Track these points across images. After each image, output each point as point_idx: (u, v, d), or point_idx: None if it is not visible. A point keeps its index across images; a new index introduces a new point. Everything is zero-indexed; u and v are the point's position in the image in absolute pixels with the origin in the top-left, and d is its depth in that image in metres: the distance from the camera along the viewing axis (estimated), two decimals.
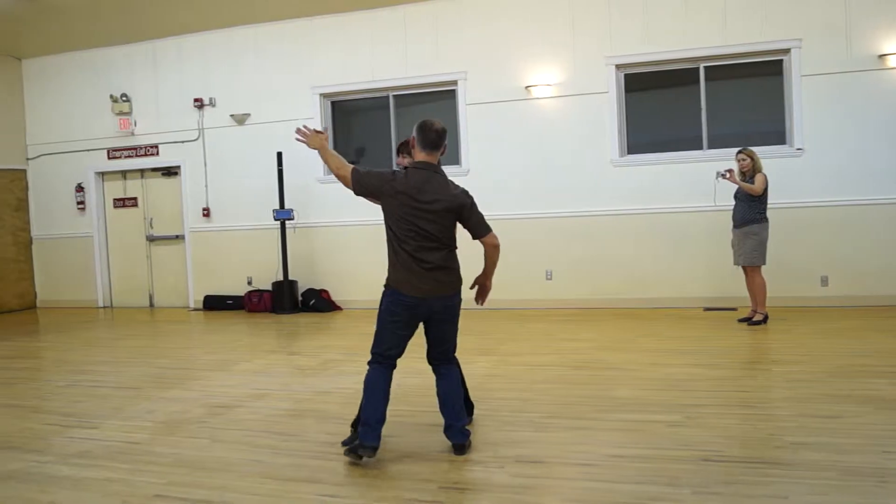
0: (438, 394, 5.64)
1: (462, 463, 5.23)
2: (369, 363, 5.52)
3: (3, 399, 8.06)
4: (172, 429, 6.42)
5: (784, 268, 10.91)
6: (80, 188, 15.23)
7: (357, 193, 5.46)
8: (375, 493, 4.82)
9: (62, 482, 5.24)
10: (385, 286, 5.52)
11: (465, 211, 5.50)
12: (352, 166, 5.43)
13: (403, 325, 5.48)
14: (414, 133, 5.40)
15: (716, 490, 4.57)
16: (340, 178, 5.44)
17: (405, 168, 5.51)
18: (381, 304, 5.53)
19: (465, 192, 5.53)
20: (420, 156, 5.40)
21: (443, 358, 5.72)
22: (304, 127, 5.69)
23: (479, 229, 5.64)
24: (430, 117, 5.48)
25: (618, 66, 11.91)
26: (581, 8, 11.96)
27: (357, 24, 13.10)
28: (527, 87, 12.20)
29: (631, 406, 6.46)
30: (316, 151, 5.64)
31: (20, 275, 15.57)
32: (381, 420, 5.37)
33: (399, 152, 5.96)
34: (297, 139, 5.65)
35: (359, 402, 5.68)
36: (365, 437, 5.27)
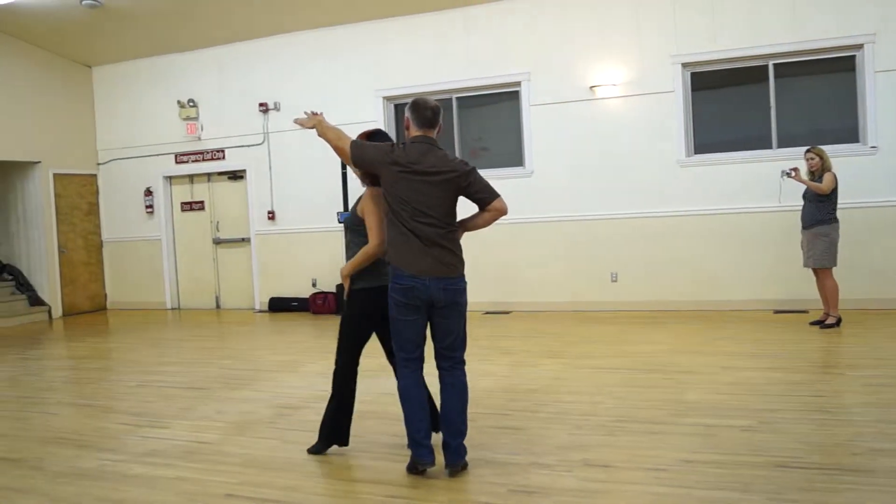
0: (441, 404, 5.25)
1: (530, 466, 5.19)
2: (397, 372, 5.28)
3: (77, 398, 8.22)
4: (242, 429, 6.48)
5: (857, 270, 10.67)
6: (148, 192, 15.47)
7: (356, 165, 5.31)
8: (443, 495, 4.81)
9: (134, 481, 5.32)
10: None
11: (464, 179, 5.16)
12: (350, 139, 5.32)
13: (409, 309, 5.11)
14: (408, 113, 5.26)
15: (791, 497, 4.48)
16: (338, 150, 5.35)
17: (402, 143, 5.26)
18: (388, 291, 5.22)
19: (465, 162, 5.27)
20: (417, 131, 5.23)
21: (449, 356, 5.23)
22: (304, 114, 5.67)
23: (485, 193, 5.23)
24: (424, 97, 5.38)
25: (684, 65, 11.77)
26: (646, 6, 11.84)
27: (420, 26, 13.14)
28: (591, 87, 12.11)
29: (702, 410, 6.37)
30: (320, 136, 5.53)
31: (91, 277, 15.86)
32: (429, 433, 5.18)
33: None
34: (296, 123, 5.65)
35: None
36: (420, 456, 5.10)
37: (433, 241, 5.09)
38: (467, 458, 5.21)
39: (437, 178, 5.09)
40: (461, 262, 5.28)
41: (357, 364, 5.61)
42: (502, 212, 5.28)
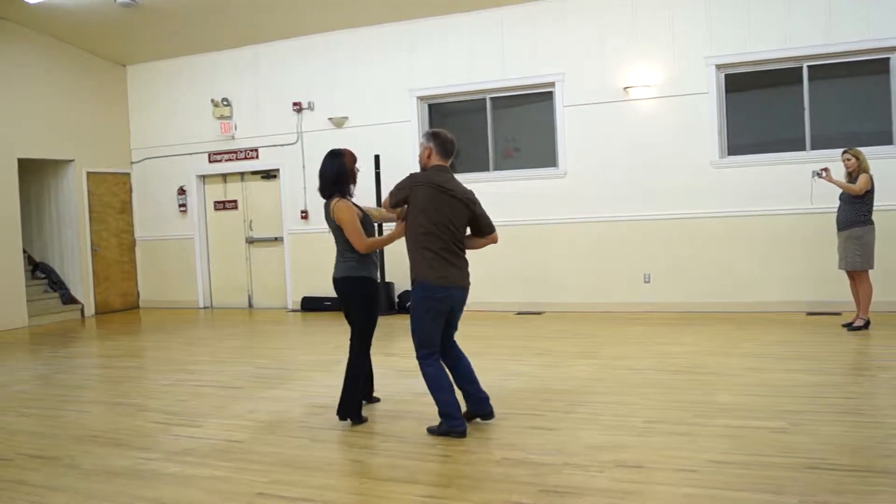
0: (461, 373, 6.19)
1: (562, 466, 5.16)
2: (425, 360, 6.01)
3: (110, 397, 8.28)
4: (274, 428, 6.49)
5: (891, 272, 10.54)
6: (181, 191, 15.55)
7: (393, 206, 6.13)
8: (476, 495, 4.79)
9: (168, 479, 5.33)
10: (417, 280, 5.97)
11: (476, 207, 6.02)
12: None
13: (441, 313, 5.97)
14: (429, 143, 6.03)
15: (823, 499, 4.44)
16: (385, 219, 6.78)
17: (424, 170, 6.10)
18: (416, 301, 5.98)
19: (473, 192, 6.09)
20: (438, 161, 6.01)
21: (452, 340, 6.23)
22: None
23: (486, 223, 6.14)
24: (443, 129, 6.32)
25: (718, 67, 11.67)
26: (680, 8, 11.76)
27: (455, 26, 13.12)
28: (625, 87, 12.05)
29: (734, 412, 6.32)
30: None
31: (124, 275, 15.96)
32: (459, 407, 6.00)
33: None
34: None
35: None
36: (458, 426, 5.91)
37: (459, 254, 5.99)
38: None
39: (460, 199, 5.93)
40: None
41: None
42: (496, 241, 6.29)
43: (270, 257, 15.09)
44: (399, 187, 5.98)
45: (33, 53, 14.27)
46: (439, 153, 6.00)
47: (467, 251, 6.09)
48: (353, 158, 6.62)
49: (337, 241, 6.52)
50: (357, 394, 6.48)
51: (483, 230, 6.13)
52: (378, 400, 7.09)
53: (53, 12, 13.33)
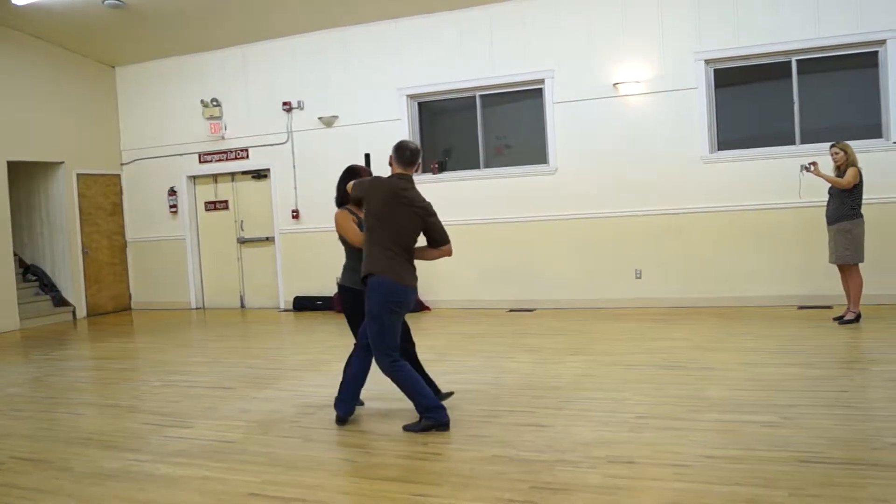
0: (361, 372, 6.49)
1: (554, 463, 5.18)
2: (392, 362, 6.06)
3: (102, 399, 8.27)
4: (266, 428, 6.49)
5: (881, 265, 10.53)
6: (172, 192, 15.53)
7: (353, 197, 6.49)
8: (468, 492, 4.79)
9: (159, 480, 5.33)
10: (374, 277, 6.02)
11: (430, 217, 6.11)
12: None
13: (400, 314, 6.19)
14: (392, 153, 6.18)
15: (813, 492, 4.46)
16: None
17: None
18: (375, 302, 6.01)
19: (429, 205, 6.17)
20: (398, 169, 6.16)
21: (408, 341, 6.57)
22: None
23: (438, 235, 6.17)
24: (405, 139, 6.57)
25: (707, 62, 11.69)
26: (669, 3, 11.77)
27: (444, 24, 13.11)
28: (614, 84, 12.06)
29: (725, 406, 6.34)
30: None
31: (115, 277, 15.93)
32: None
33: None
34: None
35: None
36: (443, 416, 6.06)
37: (410, 259, 6.15)
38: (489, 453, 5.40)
39: (411, 210, 6.04)
40: None
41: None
42: (449, 254, 6.28)
43: (262, 257, 15.07)
44: (360, 184, 6.27)
45: (21, 56, 14.22)
46: (398, 161, 6.15)
47: (422, 261, 6.24)
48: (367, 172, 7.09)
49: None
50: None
51: (436, 240, 6.18)
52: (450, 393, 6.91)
53: (41, 14, 13.28)
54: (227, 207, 15.38)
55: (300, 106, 14.23)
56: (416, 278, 6.18)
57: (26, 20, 13.59)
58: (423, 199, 6.11)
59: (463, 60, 13.01)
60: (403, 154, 6.15)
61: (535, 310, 12.40)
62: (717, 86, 11.79)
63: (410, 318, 12.16)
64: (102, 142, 15.68)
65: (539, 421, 6.22)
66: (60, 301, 14.91)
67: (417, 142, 7.97)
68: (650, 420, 6.08)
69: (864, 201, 9.54)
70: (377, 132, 13.38)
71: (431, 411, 6.03)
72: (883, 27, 10.78)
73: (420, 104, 13.63)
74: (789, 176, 10.69)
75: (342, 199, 6.91)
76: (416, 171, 6.27)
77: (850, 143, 9.77)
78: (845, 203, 9.47)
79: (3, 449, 6.35)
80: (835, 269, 9.93)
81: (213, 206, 15.48)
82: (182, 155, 15.38)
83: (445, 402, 6.33)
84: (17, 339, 12.66)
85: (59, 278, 15.10)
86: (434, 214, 6.14)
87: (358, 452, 5.78)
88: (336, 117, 13.88)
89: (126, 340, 12.20)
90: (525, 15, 12.57)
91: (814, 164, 9.77)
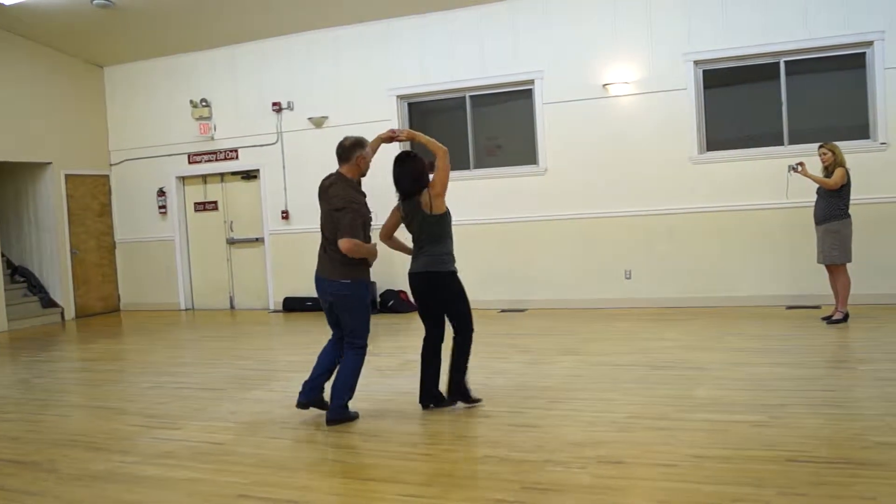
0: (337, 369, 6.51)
1: (544, 463, 5.17)
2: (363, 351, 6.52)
3: (90, 400, 8.23)
4: (255, 429, 6.46)
5: (869, 265, 10.55)
6: (161, 193, 15.47)
7: None
8: (458, 493, 4.78)
9: (147, 482, 5.30)
10: (355, 278, 6.30)
11: (335, 211, 6.22)
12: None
13: (324, 304, 6.60)
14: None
15: (802, 491, 4.47)
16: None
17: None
18: (360, 296, 6.37)
19: (349, 201, 6.24)
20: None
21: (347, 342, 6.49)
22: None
23: (341, 230, 6.19)
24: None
25: (696, 63, 11.70)
26: (658, 5, 11.78)
27: (434, 25, 13.09)
28: (604, 85, 12.06)
29: (714, 406, 6.35)
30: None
31: (104, 278, 15.86)
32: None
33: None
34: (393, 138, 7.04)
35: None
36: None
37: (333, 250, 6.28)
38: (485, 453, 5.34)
39: (325, 204, 6.33)
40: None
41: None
42: (345, 251, 6.16)
43: (252, 258, 15.03)
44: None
45: (9, 56, 14.14)
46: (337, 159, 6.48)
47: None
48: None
49: (422, 233, 6.64)
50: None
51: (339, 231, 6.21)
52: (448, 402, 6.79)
53: (29, 14, 13.21)
54: (216, 208, 15.32)
55: (290, 106, 14.19)
56: (328, 269, 6.31)
57: (14, 20, 13.52)
58: (345, 195, 6.23)
59: (453, 61, 12.99)
60: (336, 150, 6.51)
61: (526, 310, 12.39)
62: (706, 87, 11.79)
63: (402, 319, 12.20)
64: (91, 142, 15.60)
65: (529, 421, 6.21)
66: (49, 302, 14.84)
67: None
68: (640, 420, 6.07)
69: (851, 202, 9.56)
70: (367, 133, 13.10)
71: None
72: (870, 28, 10.81)
73: (410, 104, 13.60)
74: (778, 176, 10.71)
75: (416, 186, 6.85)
76: (359, 165, 6.49)
77: (838, 143, 9.79)
78: (833, 203, 9.48)
79: None
80: (823, 269, 9.94)
81: (202, 206, 15.42)
82: (171, 155, 15.31)
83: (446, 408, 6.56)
84: (4, 341, 12.60)
85: (48, 279, 15.03)
86: (342, 209, 6.17)
87: (348, 453, 5.76)
88: (326, 118, 13.85)
89: (114, 342, 12.15)
90: (515, 15, 12.56)
91: (801, 164, 9.78)
